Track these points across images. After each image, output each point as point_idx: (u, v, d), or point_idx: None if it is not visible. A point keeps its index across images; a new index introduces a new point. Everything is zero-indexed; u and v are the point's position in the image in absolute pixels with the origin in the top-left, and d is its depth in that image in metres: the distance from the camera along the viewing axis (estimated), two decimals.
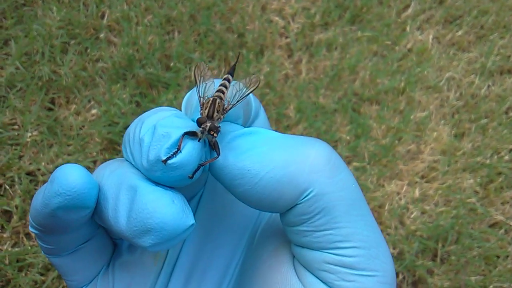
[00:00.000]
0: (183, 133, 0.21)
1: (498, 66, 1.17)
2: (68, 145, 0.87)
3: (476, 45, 1.20)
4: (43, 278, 0.76)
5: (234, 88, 0.25)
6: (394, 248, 0.91)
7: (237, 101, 0.24)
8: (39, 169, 0.83)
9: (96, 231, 0.26)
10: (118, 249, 0.27)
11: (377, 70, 1.09)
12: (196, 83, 0.26)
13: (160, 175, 0.21)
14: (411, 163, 1.00)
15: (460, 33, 1.20)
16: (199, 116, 0.23)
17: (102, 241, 0.26)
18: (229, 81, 0.26)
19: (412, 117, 1.04)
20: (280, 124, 0.97)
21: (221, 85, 0.25)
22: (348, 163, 0.97)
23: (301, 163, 0.21)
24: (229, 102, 0.24)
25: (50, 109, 0.90)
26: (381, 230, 0.92)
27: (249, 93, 0.24)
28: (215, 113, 0.22)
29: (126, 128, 0.88)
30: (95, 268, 0.26)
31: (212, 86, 0.26)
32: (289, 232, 0.23)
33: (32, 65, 0.91)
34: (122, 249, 0.27)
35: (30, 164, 0.84)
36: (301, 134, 0.97)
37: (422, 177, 0.99)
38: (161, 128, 0.21)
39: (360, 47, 1.12)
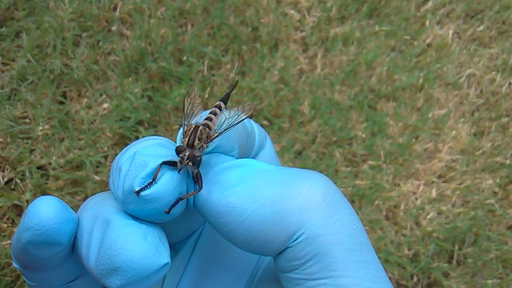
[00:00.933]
0: (161, 162, 0.19)
1: None
2: (79, 139, 0.86)
3: (497, 41, 1.16)
4: None
5: (224, 116, 0.23)
6: (409, 250, 0.88)
7: (225, 130, 0.21)
8: (50, 163, 0.83)
9: (83, 270, 0.23)
10: None
11: (395, 65, 1.05)
12: (183, 110, 0.24)
13: (133, 208, 0.19)
14: (428, 162, 0.97)
15: (481, 28, 1.16)
16: (179, 139, 0.21)
17: (92, 281, 0.23)
18: (220, 109, 0.24)
19: (430, 114, 1.01)
20: (294, 120, 0.95)
21: (210, 112, 0.23)
22: (363, 161, 0.95)
23: (291, 199, 0.18)
24: (215, 130, 0.22)
25: (61, 103, 0.89)
26: (396, 231, 0.90)
27: (239, 122, 0.22)
28: (196, 141, 0.20)
29: (138, 123, 0.87)
30: None
31: (197, 100, 0.25)
32: (282, 279, 0.20)
33: (44, 58, 0.90)
34: None
35: (41, 158, 0.83)
36: (316, 131, 0.95)
37: (440, 176, 0.97)
38: (139, 156, 0.19)
39: (378, 41, 1.08)
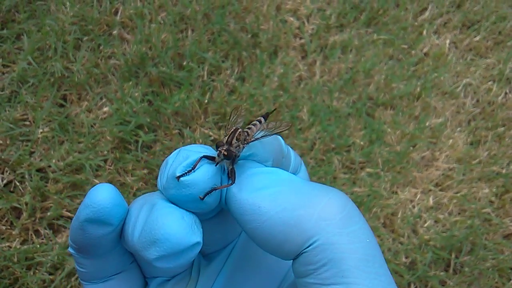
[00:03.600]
0: (201, 156, 0.22)
1: None
2: (79, 143, 0.86)
3: (494, 51, 1.18)
4: (51, 277, 0.75)
5: (262, 126, 0.26)
6: (406, 258, 0.89)
7: (261, 137, 0.24)
8: (49, 166, 0.83)
9: (128, 266, 0.26)
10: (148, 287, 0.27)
11: (393, 74, 1.07)
12: (229, 119, 0.28)
13: (173, 193, 0.21)
14: (426, 170, 0.98)
15: (477, 38, 1.17)
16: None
17: (133, 277, 0.26)
18: (260, 122, 0.27)
19: (427, 123, 1.02)
20: (293, 127, 0.96)
21: (251, 123, 0.26)
22: (361, 169, 0.95)
23: (311, 208, 0.20)
24: (252, 136, 0.25)
25: (61, 106, 0.89)
26: (394, 239, 0.91)
27: (275, 133, 0.25)
28: (234, 140, 0.23)
29: (138, 127, 0.87)
30: None
31: (242, 114, 0.28)
32: (299, 285, 0.21)
33: (45, 60, 0.90)
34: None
35: (40, 160, 0.83)
36: (314, 138, 0.96)
37: (437, 185, 0.97)
38: (183, 151, 0.22)
39: (376, 50, 1.10)
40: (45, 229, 0.79)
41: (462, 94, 1.09)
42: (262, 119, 0.27)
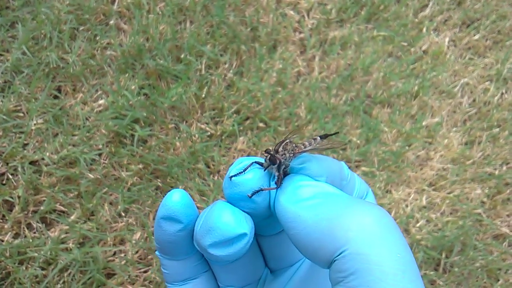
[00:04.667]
0: (253, 161, 0.25)
1: None
2: (74, 136, 0.85)
3: (492, 51, 1.17)
4: (44, 272, 0.75)
5: (316, 143, 0.28)
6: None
7: (310, 149, 0.27)
8: (43, 159, 0.82)
9: (203, 273, 0.30)
10: None
11: (391, 72, 1.06)
12: (287, 134, 0.30)
13: (228, 192, 0.25)
14: (420, 170, 0.99)
15: (477, 37, 1.17)
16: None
17: (208, 283, 0.30)
18: (315, 140, 0.28)
19: (423, 122, 1.03)
20: (290, 123, 0.95)
21: (307, 141, 0.28)
22: (357, 167, 0.96)
23: (345, 218, 0.21)
24: (302, 149, 0.27)
25: (56, 97, 0.87)
26: None
27: (324, 148, 0.27)
28: (280, 148, 0.26)
29: (134, 121, 0.86)
30: None
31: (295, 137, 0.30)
32: None
33: (39, 50, 0.88)
34: None
35: (34, 153, 0.82)
36: (311, 135, 0.95)
37: (430, 184, 0.98)
38: (242, 159, 0.26)
39: (375, 46, 1.09)
40: (38, 223, 0.78)
41: (459, 93, 1.09)
42: (318, 138, 0.29)
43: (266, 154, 0.25)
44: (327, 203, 0.23)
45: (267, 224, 0.27)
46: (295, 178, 0.25)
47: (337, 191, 0.24)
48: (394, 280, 0.20)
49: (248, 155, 0.91)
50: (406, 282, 0.20)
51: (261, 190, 0.25)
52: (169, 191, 0.27)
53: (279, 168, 0.25)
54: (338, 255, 0.21)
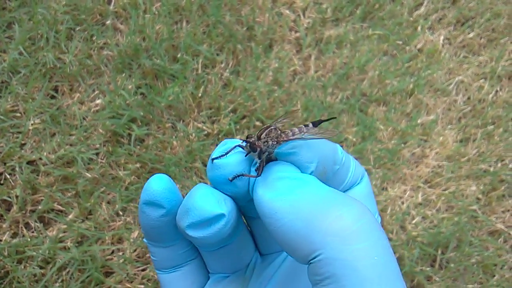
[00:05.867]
0: (236, 144, 0.25)
1: (508, 72, 1.16)
2: (71, 135, 0.85)
3: (487, 49, 1.18)
4: (42, 271, 0.75)
5: (305, 130, 0.26)
6: (394, 253, 0.91)
7: (294, 138, 0.25)
8: (40, 159, 0.82)
9: (192, 259, 0.29)
10: (208, 283, 0.30)
11: (387, 70, 1.07)
12: (277, 118, 0.29)
13: (210, 174, 0.25)
14: (416, 167, 0.99)
15: (471, 35, 1.18)
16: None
17: (197, 271, 0.30)
18: (306, 127, 0.27)
19: (419, 120, 1.03)
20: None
21: (297, 127, 0.27)
22: None
23: (321, 221, 0.20)
24: (287, 137, 0.25)
25: (53, 97, 0.88)
26: None
27: (311, 138, 0.25)
28: (263, 135, 0.25)
29: (131, 121, 0.86)
30: None
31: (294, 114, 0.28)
32: None
33: (36, 50, 0.88)
34: (209, 282, 0.30)
35: (31, 153, 0.82)
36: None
37: (426, 182, 0.99)
38: (226, 141, 0.25)
39: (371, 45, 1.09)
40: (36, 222, 0.79)
41: (454, 91, 1.10)
42: (310, 125, 0.27)
43: (246, 140, 0.24)
44: (305, 200, 0.22)
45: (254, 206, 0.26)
46: (275, 168, 0.24)
47: (319, 186, 0.23)
48: (370, 285, 0.19)
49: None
50: (383, 285, 0.20)
51: (242, 175, 0.24)
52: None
53: (260, 156, 0.24)
54: (314, 258, 0.20)
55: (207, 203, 0.23)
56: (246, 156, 0.25)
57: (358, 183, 0.28)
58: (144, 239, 0.29)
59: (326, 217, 0.20)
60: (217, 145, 0.26)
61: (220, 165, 0.24)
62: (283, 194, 0.22)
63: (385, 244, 0.21)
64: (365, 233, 0.20)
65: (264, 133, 0.25)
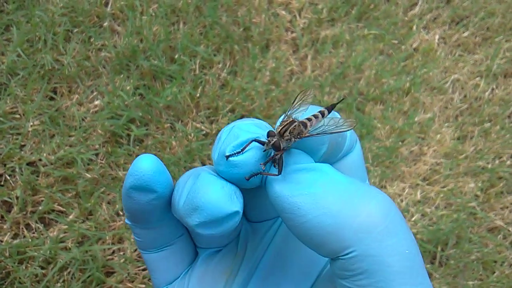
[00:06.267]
0: (253, 138, 0.22)
1: (503, 69, 1.17)
2: (70, 136, 0.85)
3: (481, 47, 1.19)
4: (43, 271, 0.75)
5: (323, 122, 0.24)
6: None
7: (317, 134, 0.23)
8: (40, 160, 0.82)
9: (180, 237, 0.28)
10: (197, 259, 0.29)
11: (383, 69, 1.08)
12: (293, 102, 0.26)
13: (222, 169, 0.22)
14: (414, 165, 1.00)
15: (466, 34, 1.19)
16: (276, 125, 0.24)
17: (186, 248, 0.28)
18: (323, 115, 0.25)
19: (416, 118, 1.04)
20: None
21: (313, 114, 0.25)
22: None
23: (351, 218, 0.20)
24: (308, 131, 0.24)
25: (52, 99, 0.88)
26: None
27: (334, 133, 0.24)
28: (286, 133, 0.23)
29: (129, 121, 0.87)
30: (176, 271, 0.28)
31: (308, 98, 0.26)
32: (337, 282, 0.22)
33: (34, 52, 0.89)
34: (200, 259, 0.29)
35: (31, 154, 0.82)
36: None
37: (424, 179, 0.99)
38: (235, 129, 0.23)
39: (367, 45, 1.10)
40: (37, 223, 0.79)
41: (450, 89, 1.11)
42: (326, 111, 0.25)
43: (269, 139, 0.22)
44: (329, 194, 0.21)
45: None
46: (292, 159, 0.23)
47: (337, 176, 0.22)
48: (403, 278, 0.20)
49: None
50: (414, 277, 0.20)
51: (260, 173, 0.22)
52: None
53: (281, 152, 0.22)
54: (345, 255, 0.20)
55: (221, 200, 0.21)
56: (264, 151, 0.23)
57: (352, 151, 0.27)
58: (127, 220, 0.27)
59: (357, 213, 0.20)
60: (223, 130, 0.24)
61: (237, 164, 0.22)
62: (304, 189, 0.21)
63: (411, 236, 0.21)
64: (394, 227, 0.20)
65: (288, 131, 0.23)
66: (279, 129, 0.23)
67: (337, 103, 0.27)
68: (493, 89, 1.14)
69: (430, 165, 1.00)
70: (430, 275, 0.91)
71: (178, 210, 0.23)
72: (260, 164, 0.22)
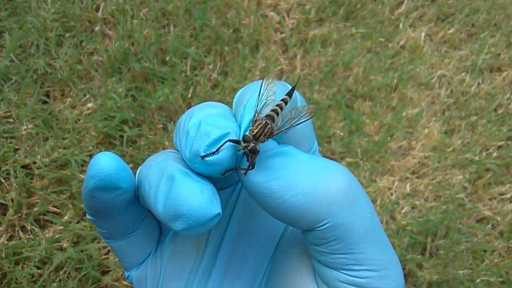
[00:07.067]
0: (224, 134, 0.23)
1: (488, 64, 1.19)
2: (64, 139, 0.87)
3: (467, 43, 1.22)
4: (39, 271, 0.76)
5: (289, 114, 0.25)
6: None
7: (286, 129, 0.25)
8: (34, 163, 0.83)
9: (144, 219, 0.28)
10: (163, 234, 0.30)
11: (371, 66, 1.10)
12: (259, 93, 0.26)
13: (197, 167, 0.23)
14: (403, 159, 1.02)
15: (451, 31, 1.22)
16: (248, 123, 0.24)
17: (150, 228, 0.29)
18: (286, 103, 0.26)
19: (404, 113, 1.06)
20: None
21: (277, 105, 0.26)
22: (342, 158, 0.99)
23: (322, 194, 0.22)
24: (278, 127, 0.25)
25: (45, 102, 0.89)
26: None
27: (300, 123, 0.25)
28: (261, 136, 0.24)
29: (122, 122, 0.88)
30: (145, 251, 0.29)
31: (273, 87, 0.26)
32: (309, 248, 0.25)
33: (27, 57, 0.90)
34: (168, 236, 0.29)
35: (25, 157, 0.84)
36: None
37: (413, 172, 1.01)
38: (204, 125, 0.23)
39: (354, 43, 1.13)
40: (32, 225, 0.80)
41: (437, 85, 1.13)
42: (288, 99, 0.26)
43: (246, 145, 0.23)
44: (300, 175, 0.22)
45: None
46: (262, 147, 0.24)
47: (303, 156, 0.24)
48: (369, 238, 0.23)
49: None
50: (377, 235, 0.23)
51: (235, 169, 0.24)
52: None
53: (256, 154, 0.23)
54: (319, 226, 0.22)
55: (203, 206, 0.22)
56: (239, 151, 0.23)
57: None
58: (88, 216, 0.27)
59: (326, 189, 0.22)
60: (177, 122, 0.24)
61: (213, 163, 0.23)
62: (277, 173, 0.23)
63: (369, 200, 0.24)
64: (357, 196, 0.23)
65: (263, 134, 0.24)
66: (255, 132, 0.23)
67: (295, 86, 0.27)
68: (479, 83, 1.17)
69: (418, 158, 1.02)
70: (421, 265, 0.93)
71: (157, 213, 0.23)
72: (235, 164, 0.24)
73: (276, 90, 0.26)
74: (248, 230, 0.29)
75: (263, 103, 0.26)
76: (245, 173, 0.23)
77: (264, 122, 0.24)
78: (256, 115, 0.25)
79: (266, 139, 0.24)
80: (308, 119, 0.25)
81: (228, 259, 0.29)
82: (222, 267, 0.28)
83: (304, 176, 0.22)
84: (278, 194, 0.22)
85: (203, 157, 0.23)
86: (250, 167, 0.23)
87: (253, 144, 0.23)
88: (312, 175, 0.22)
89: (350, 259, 0.23)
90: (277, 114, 0.25)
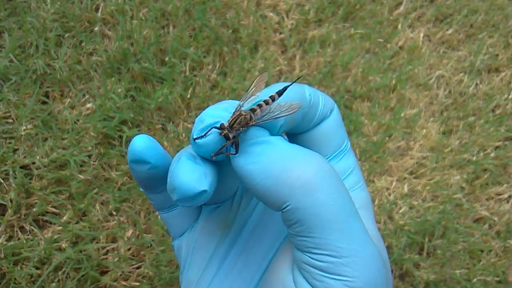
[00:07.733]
0: (214, 123, 0.27)
1: (486, 65, 1.20)
2: (63, 139, 0.87)
3: (465, 44, 1.22)
4: (38, 271, 0.76)
5: (269, 109, 0.28)
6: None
7: (262, 121, 0.28)
8: (34, 163, 0.84)
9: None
10: (201, 214, 0.35)
11: (369, 67, 1.10)
12: (248, 88, 0.30)
13: (194, 148, 0.27)
14: (401, 159, 1.02)
15: (450, 31, 1.22)
16: (231, 115, 0.28)
17: (186, 212, 0.34)
18: (273, 100, 0.29)
19: (402, 114, 1.07)
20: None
21: (264, 100, 0.29)
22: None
23: (286, 179, 0.25)
24: (256, 118, 0.28)
25: (44, 103, 0.90)
26: None
27: (278, 117, 0.27)
28: (235, 124, 0.27)
29: (121, 122, 0.88)
30: (186, 225, 0.35)
31: (262, 85, 0.31)
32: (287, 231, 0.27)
33: (26, 58, 0.90)
34: (202, 214, 0.34)
35: (24, 157, 0.84)
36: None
37: (411, 173, 1.02)
38: (203, 114, 0.27)
39: (353, 44, 1.13)
40: (31, 225, 0.80)
41: (435, 85, 1.14)
42: (276, 97, 0.29)
43: (221, 132, 0.27)
44: (273, 162, 0.25)
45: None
46: (250, 135, 0.27)
47: (281, 145, 0.26)
48: (331, 224, 0.24)
49: None
50: (344, 225, 0.24)
51: (221, 152, 0.27)
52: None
53: (234, 137, 0.27)
54: (283, 208, 0.25)
55: (190, 183, 0.26)
56: (220, 135, 0.27)
57: (327, 117, 0.31)
58: (141, 189, 0.33)
59: (291, 173, 0.24)
60: (199, 115, 0.28)
61: (201, 145, 0.27)
62: (255, 157, 0.26)
63: (340, 190, 0.25)
64: (322, 183, 0.24)
65: (236, 123, 0.27)
66: (230, 121, 0.27)
67: (288, 86, 0.30)
68: (477, 84, 1.17)
69: (416, 159, 1.03)
70: (418, 265, 0.93)
71: (167, 188, 0.28)
72: (219, 147, 0.27)
73: (263, 87, 0.30)
74: (265, 222, 0.33)
75: (250, 98, 0.30)
76: (228, 156, 0.27)
77: (238, 114, 0.27)
78: (239, 107, 0.28)
79: (242, 128, 0.27)
80: (286, 116, 0.28)
81: (248, 238, 0.33)
82: (241, 245, 0.33)
83: (275, 163, 0.25)
84: (253, 176, 0.25)
85: (195, 139, 0.27)
86: (235, 153, 0.27)
87: (226, 131, 0.26)
88: (284, 162, 0.25)
89: (310, 242, 0.24)
90: (261, 107, 0.28)
